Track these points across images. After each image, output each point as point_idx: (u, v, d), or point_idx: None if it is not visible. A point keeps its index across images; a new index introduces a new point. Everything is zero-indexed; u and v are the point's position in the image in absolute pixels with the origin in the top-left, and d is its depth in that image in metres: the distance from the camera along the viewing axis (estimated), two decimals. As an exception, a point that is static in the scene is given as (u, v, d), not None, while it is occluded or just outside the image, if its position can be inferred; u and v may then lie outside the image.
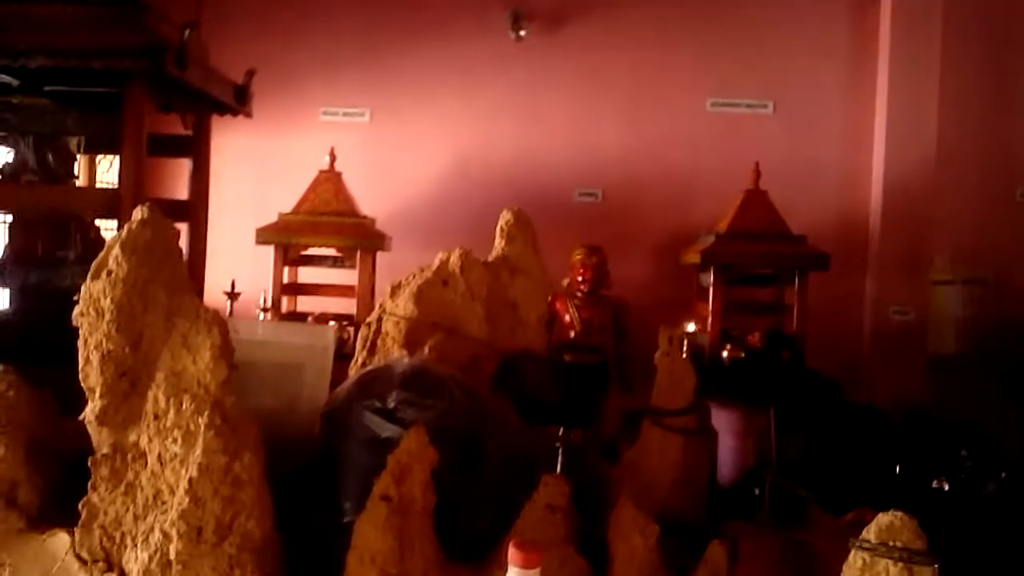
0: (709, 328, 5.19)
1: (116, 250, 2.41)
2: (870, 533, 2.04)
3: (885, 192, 6.02)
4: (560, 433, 3.21)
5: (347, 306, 5.42)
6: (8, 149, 4.23)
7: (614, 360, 4.84)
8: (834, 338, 5.78)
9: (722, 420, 4.88)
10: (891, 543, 2.00)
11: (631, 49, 6.29)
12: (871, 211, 6.14)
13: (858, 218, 6.18)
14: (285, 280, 5.52)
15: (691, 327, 5.25)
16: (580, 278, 4.93)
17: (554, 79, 6.32)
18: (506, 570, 1.83)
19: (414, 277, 3.57)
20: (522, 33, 6.15)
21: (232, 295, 5.14)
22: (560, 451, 3.13)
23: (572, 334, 4.83)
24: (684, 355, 3.45)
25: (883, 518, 2.05)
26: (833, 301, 5.78)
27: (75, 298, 2.51)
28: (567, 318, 4.81)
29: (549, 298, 4.01)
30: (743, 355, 5.06)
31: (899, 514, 2.05)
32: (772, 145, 6.08)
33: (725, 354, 5.08)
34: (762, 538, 2.84)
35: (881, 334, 5.99)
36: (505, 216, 3.92)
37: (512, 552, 2.01)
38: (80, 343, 2.40)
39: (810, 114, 6.26)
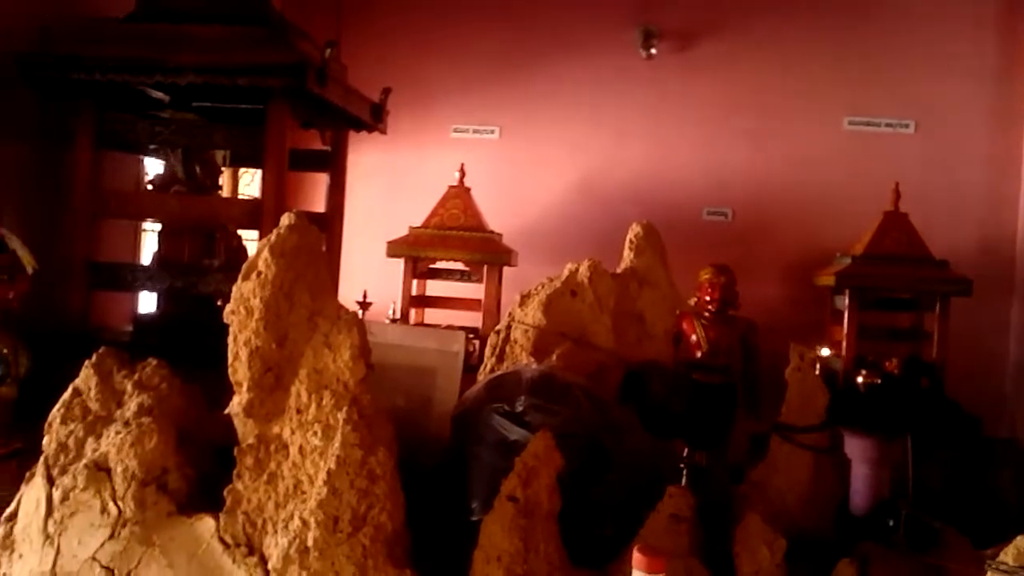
0: (843, 352, 5.03)
1: (265, 253, 2.53)
2: (1008, 556, 1.95)
3: (1033, 217, 5.72)
4: (685, 453, 3.18)
5: (473, 319, 5.51)
6: (159, 161, 4.51)
7: (742, 383, 4.75)
8: (976, 368, 5.50)
9: (855, 448, 4.70)
10: (1029, 567, 1.91)
11: (763, 66, 6.19)
12: (1018, 236, 5.82)
13: (1004, 243, 5.87)
14: (414, 292, 5.67)
15: (824, 351, 5.11)
16: (708, 298, 4.83)
17: (684, 97, 6.29)
18: (629, 576, 1.84)
19: (543, 287, 3.61)
20: (652, 51, 6.14)
21: (364, 305, 5.33)
22: (684, 469, 3.10)
23: (699, 354, 4.77)
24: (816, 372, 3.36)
25: (1021, 541, 1.96)
26: (975, 329, 5.51)
27: (219, 303, 2.62)
28: (693, 338, 4.73)
29: (677, 313, 3.99)
30: (879, 381, 4.88)
31: (1038, 538, 1.96)
32: (913, 166, 5.85)
33: (860, 380, 4.91)
34: (894, 560, 2.73)
35: (1027, 366, 5.66)
36: (634, 229, 3.93)
37: (636, 557, 2.01)
38: (230, 340, 2.53)
39: (954, 135, 6.00)
